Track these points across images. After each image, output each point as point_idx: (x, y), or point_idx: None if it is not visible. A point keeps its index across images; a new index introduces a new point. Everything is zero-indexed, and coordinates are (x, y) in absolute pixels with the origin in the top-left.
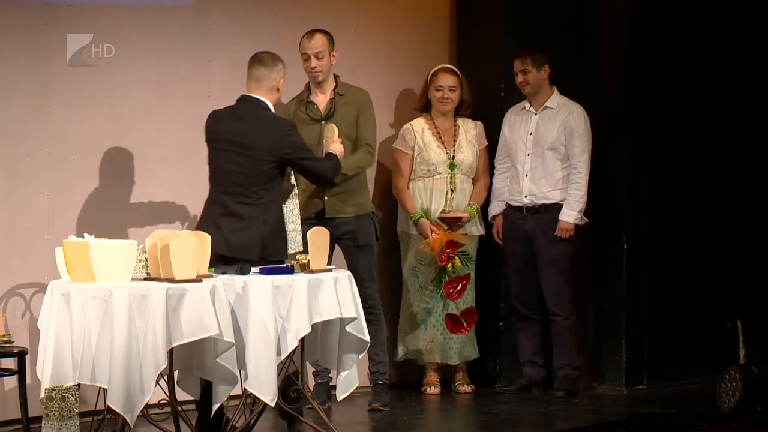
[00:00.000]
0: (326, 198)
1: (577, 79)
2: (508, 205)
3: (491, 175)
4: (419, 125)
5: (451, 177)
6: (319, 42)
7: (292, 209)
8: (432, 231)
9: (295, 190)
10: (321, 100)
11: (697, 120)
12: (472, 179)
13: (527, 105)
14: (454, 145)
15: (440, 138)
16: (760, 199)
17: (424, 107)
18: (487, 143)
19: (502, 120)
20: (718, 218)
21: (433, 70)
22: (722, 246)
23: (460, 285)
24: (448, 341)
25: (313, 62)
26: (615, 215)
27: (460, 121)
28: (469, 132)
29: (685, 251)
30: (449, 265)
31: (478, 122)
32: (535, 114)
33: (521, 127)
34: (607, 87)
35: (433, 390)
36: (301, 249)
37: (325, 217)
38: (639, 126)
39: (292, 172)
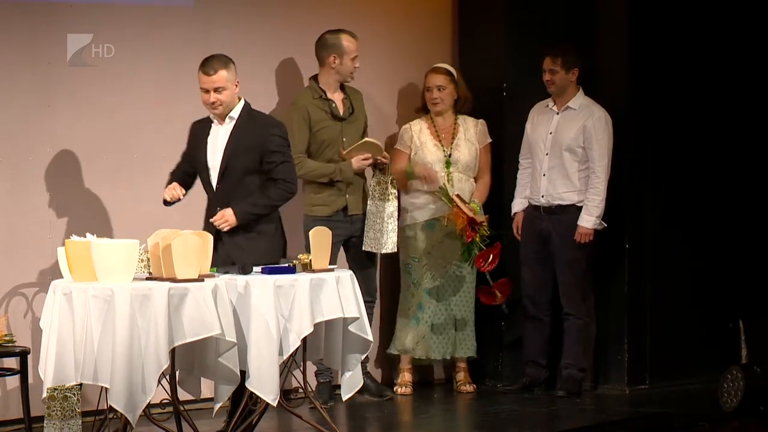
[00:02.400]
0: (348, 196)
1: (578, 78)
2: (529, 204)
3: (513, 171)
4: (417, 125)
5: (447, 175)
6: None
7: (391, 211)
8: (454, 206)
9: (393, 189)
10: (336, 98)
11: (698, 120)
12: (474, 178)
13: (551, 103)
14: (452, 144)
15: (438, 137)
16: (762, 198)
17: (423, 107)
18: (489, 140)
19: (525, 116)
20: (719, 218)
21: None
22: (724, 246)
23: (491, 256)
24: (438, 338)
25: (357, 63)
26: (617, 215)
27: (460, 119)
28: (469, 130)
29: (687, 251)
30: (477, 237)
31: (480, 120)
32: (557, 113)
33: (542, 125)
34: (608, 86)
35: (405, 390)
36: (395, 250)
37: (347, 213)
38: (640, 126)
39: (383, 169)
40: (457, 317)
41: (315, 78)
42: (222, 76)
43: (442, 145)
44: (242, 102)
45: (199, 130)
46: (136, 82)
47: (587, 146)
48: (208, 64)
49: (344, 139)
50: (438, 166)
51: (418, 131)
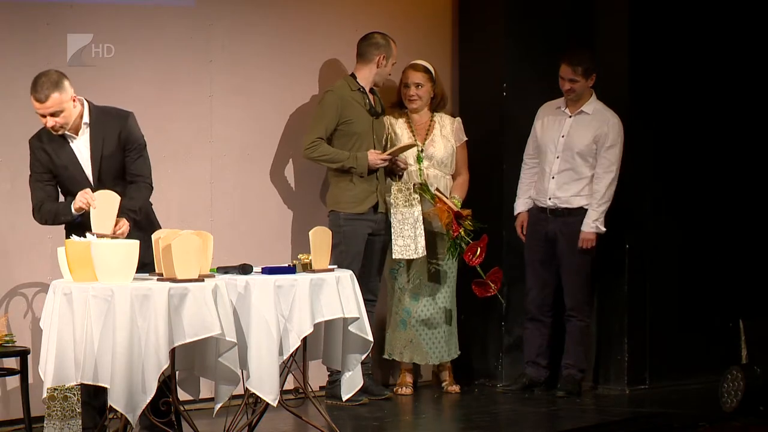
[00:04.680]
0: (379, 194)
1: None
2: (534, 204)
3: (513, 171)
4: (395, 118)
5: (419, 170)
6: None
7: (417, 216)
8: (438, 201)
9: (415, 195)
10: (370, 95)
11: (698, 120)
12: (452, 175)
13: (562, 105)
14: (426, 139)
15: (413, 132)
16: (762, 198)
17: (399, 103)
18: (466, 139)
19: (535, 115)
20: (720, 218)
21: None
22: (724, 246)
23: (478, 249)
24: (426, 342)
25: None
26: (617, 215)
27: (437, 116)
28: (445, 127)
29: (687, 251)
30: (461, 231)
31: (457, 118)
32: (570, 117)
33: (553, 127)
34: (608, 86)
35: (406, 390)
36: (424, 254)
37: (377, 211)
38: (640, 126)
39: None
40: (445, 309)
41: (352, 74)
42: (54, 100)
43: (417, 141)
44: (85, 103)
45: (55, 148)
46: (136, 82)
47: (598, 152)
48: (38, 89)
49: (374, 136)
50: (411, 160)
51: (395, 122)
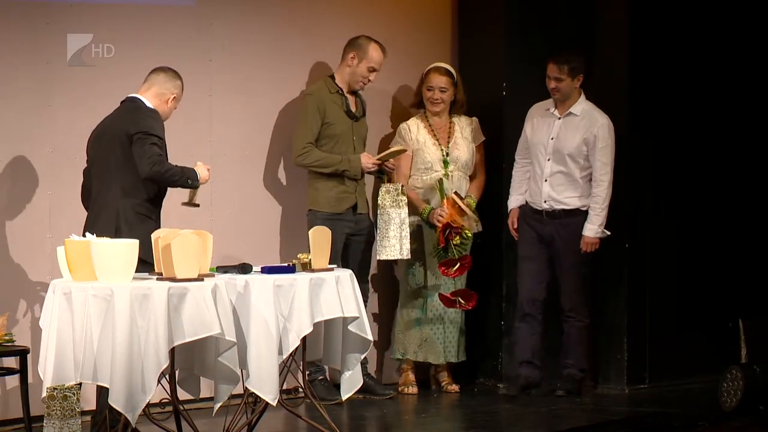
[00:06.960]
0: (357, 195)
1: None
2: (529, 206)
3: (507, 168)
4: (414, 124)
5: (445, 174)
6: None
7: (403, 218)
8: (448, 202)
9: (402, 197)
10: (349, 98)
11: (698, 120)
12: (470, 176)
13: (551, 107)
14: (449, 143)
15: (435, 136)
16: (761, 198)
17: (419, 104)
18: (483, 139)
19: (525, 115)
20: (719, 217)
21: (427, 68)
22: (724, 245)
23: (458, 264)
24: (440, 341)
25: (372, 76)
26: (616, 215)
27: (455, 118)
28: (465, 129)
29: (687, 250)
30: (456, 239)
31: (474, 118)
32: (559, 118)
33: (543, 129)
34: (608, 87)
35: (412, 390)
36: (409, 256)
37: (356, 212)
38: (639, 127)
39: (391, 175)
40: (451, 314)
41: (332, 76)
42: None
43: (440, 145)
44: None
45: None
46: (136, 82)
47: (590, 153)
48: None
49: (354, 138)
50: (438, 166)
51: (416, 130)
